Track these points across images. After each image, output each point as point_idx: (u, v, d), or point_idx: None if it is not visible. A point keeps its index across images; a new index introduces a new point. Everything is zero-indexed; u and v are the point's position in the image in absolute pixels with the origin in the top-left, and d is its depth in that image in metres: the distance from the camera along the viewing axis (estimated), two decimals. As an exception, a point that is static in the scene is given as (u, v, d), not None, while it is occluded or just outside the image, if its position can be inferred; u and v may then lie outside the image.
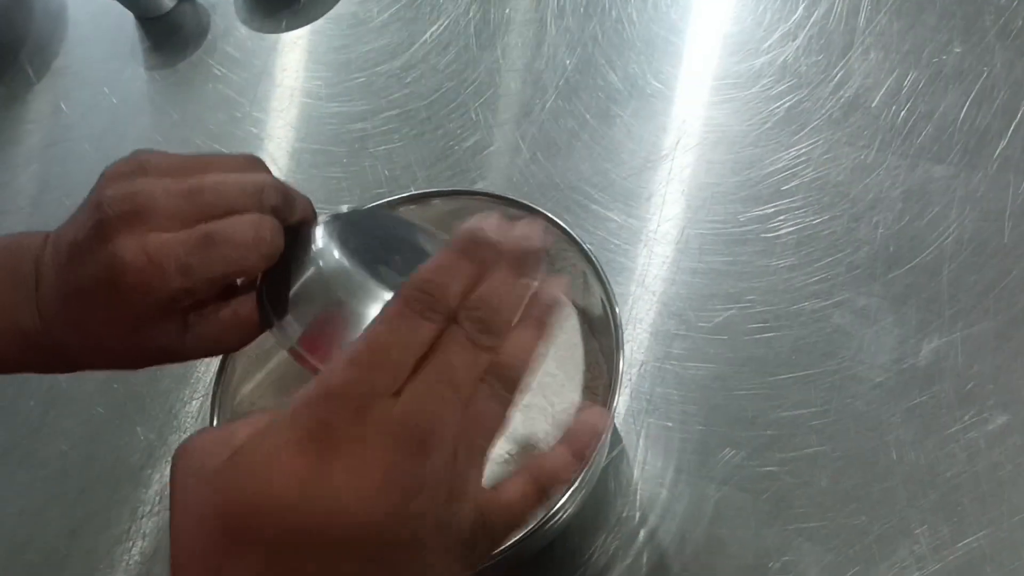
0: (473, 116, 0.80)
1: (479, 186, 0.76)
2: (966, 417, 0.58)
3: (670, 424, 0.62)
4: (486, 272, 0.36)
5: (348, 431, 0.31)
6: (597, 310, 0.60)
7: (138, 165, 0.42)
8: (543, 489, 0.38)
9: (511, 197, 0.60)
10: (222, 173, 0.42)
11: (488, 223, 0.37)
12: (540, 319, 0.37)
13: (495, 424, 0.35)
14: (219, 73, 0.91)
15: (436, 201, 0.63)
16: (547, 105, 0.78)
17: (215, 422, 0.56)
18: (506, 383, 0.35)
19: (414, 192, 0.62)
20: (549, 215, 0.58)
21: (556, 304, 0.38)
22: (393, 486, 0.31)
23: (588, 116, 0.77)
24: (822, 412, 0.60)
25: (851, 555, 0.56)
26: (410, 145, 0.80)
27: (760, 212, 0.68)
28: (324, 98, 0.86)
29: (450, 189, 0.63)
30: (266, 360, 0.63)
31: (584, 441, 0.40)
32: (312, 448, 0.31)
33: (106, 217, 0.40)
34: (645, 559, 0.58)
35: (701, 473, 0.60)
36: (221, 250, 0.40)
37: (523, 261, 0.37)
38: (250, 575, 0.31)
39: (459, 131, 0.80)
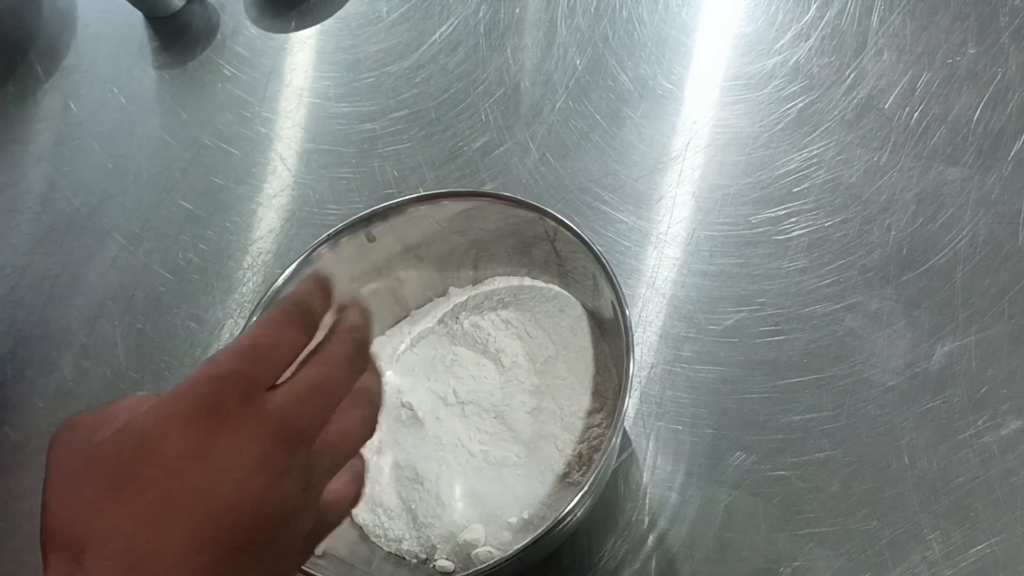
0: (483, 117, 0.80)
1: (489, 187, 0.76)
2: (979, 422, 0.57)
3: (680, 427, 0.62)
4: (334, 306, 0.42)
5: (233, 411, 0.34)
6: (607, 313, 0.60)
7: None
8: (359, 475, 0.43)
9: (520, 198, 0.60)
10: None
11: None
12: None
13: (356, 440, 0.40)
14: (228, 73, 0.91)
15: (446, 202, 0.62)
16: (557, 106, 0.78)
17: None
18: (371, 406, 0.41)
19: (424, 193, 0.62)
20: (560, 216, 0.58)
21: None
22: (268, 467, 0.34)
23: (598, 117, 0.76)
24: (834, 416, 0.59)
25: (863, 560, 0.55)
26: (419, 146, 0.80)
27: (771, 214, 0.68)
28: (333, 98, 0.86)
29: (461, 190, 0.63)
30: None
31: (367, 404, 0.42)
32: (199, 422, 0.34)
33: None
34: (654, 564, 0.58)
35: (711, 477, 0.59)
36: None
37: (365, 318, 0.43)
38: (129, 533, 0.33)
39: (468, 132, 0.79)
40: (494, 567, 0.50)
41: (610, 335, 0.62)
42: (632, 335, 0.54)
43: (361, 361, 0.41)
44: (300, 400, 0.37)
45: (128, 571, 0.32)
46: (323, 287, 0.41)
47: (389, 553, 0.61)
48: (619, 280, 0.55)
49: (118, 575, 0.32)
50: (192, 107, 0.90)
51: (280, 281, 0.61)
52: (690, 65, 0.76)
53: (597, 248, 0.57)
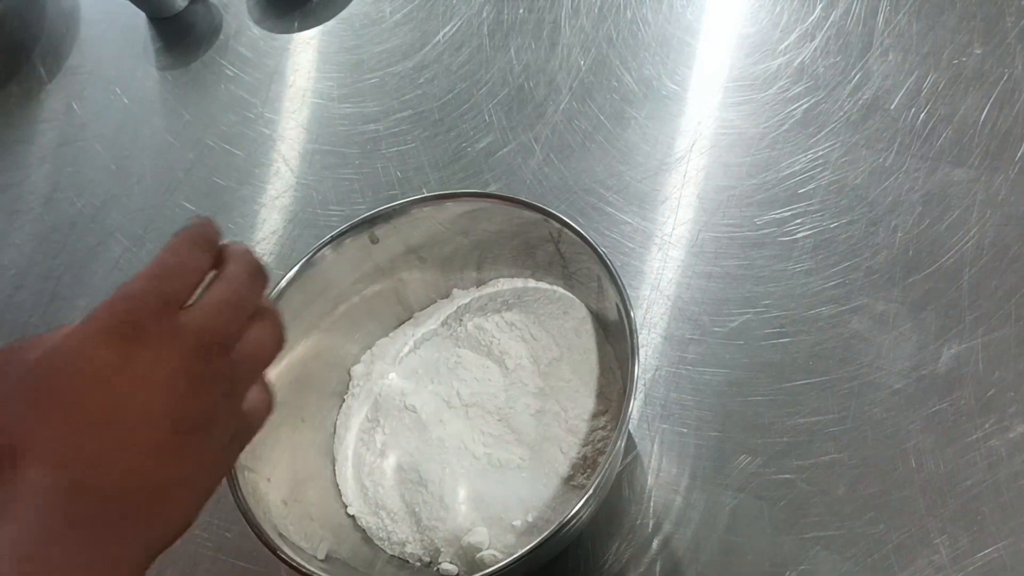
0: (486, 117, 0.79)
1: (492, 188, 0.75)
2: (986, 425, 0.57)
3: (685, 430, 0.61)
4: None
5: (148, 328, 0.37)
6: (612, 315, 0.59)
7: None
8: (269, 386, 0.45)
9: (524, 199, 0.60)
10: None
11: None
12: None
13: (268, 350, 0.42)
14: (231, 73, 0.90)
15: (450, 203, 0.62)
16: (561, 107, 0.78)
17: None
18: (275, 319, 0.43)
19: (427, 194, 0.62)
20: (564, 218, 0.58)
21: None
22: (188, 374, 0.37)
23: (602, 118, 0.76)
24: (839, 419, 0.59)
25: (869, 564, 0.55)
26: (423, 146, 0.80)
27: (776, 215, 0.67)
28: (336, 99, 0.86)
29: (464, 191, 0.62)
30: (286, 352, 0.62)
31: (272, 317, 0.44)
32: (117, 340, 0.36)
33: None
34: (659, 567, 0.58)
35: (716, 480, 0.59)
36: None
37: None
38: (58, 439, 0.35)
39: (472, 132, 0.79)
40: (498, 571, 0.50)
41: (614, 337, 0.62)
42: (637, 338, 0.53)
43: (261, 279, 0.43)
44: (211, 314, 0.39)
45: (60, 472, 0.34)
46: (211, 225, 0.43)
47: (392, 556, 0.61)
48: (623, 282, 0.54)
49: (51, 477, 0.34)
50: (195, 108, 0.89)
51: (284, 283, 0.61)
52: (694, 66, 0.76)
53: (602, 250, 0.56)
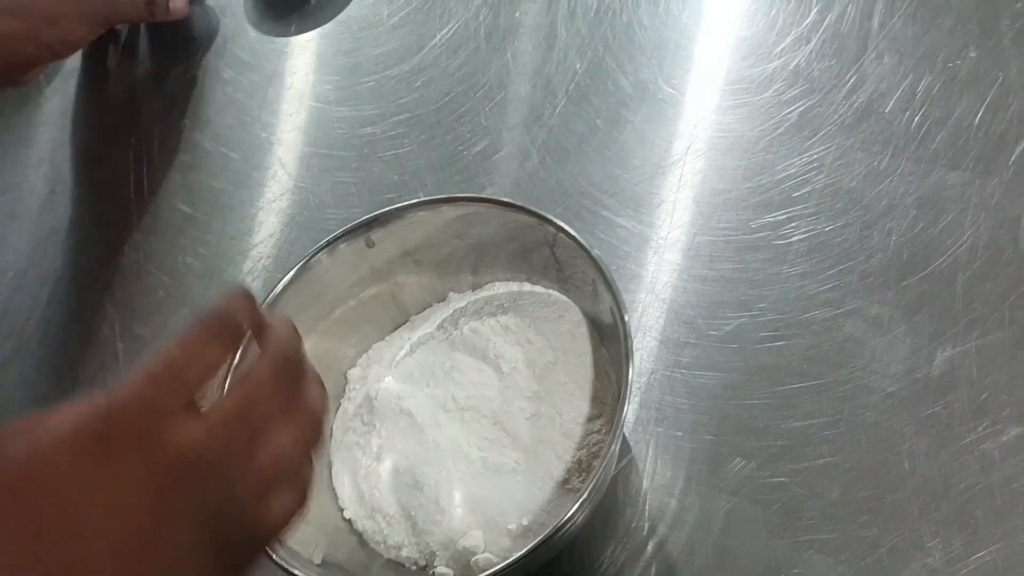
0: (483, 121, 0.79)
1: (488, 191, 0.76)
2: (980, 428, 0.57)
3: (680, 434, 0.62)
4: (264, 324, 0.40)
5: (128, 445, 0.33)
6: (607, 319, 0.60)
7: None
8: (302, 494, 0.40)
9: (519, 203, 0.60)
10: None
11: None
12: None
13: (288, 461, 0.38)
14: (228, 76, 0.90)
15: (445, 207, 0.62)
16: (557, 110, 0.78)
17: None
18: (309, 422, 0.40)
19: (423, 198, 0.62)
20: (559, 222, 0.58)
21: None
22: (158, 511, 0.33)
23: (598, 121, 0.76)
24: (833, 422, 0.59)
25: (863, 567, 0.55)
26: (419, 150, 0.80)
27: (772, 219, 0.67)
28: (334, 102, 0.86)
29: (460, 195, 0.62)
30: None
31: (303, 423, 0.40)
32: (88, 453, 0.32)
33: None
34: (654, 570, 0.58)
35: (711, 484, 0.59)
36: None
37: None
38: (8, 564, 0.31)
39: (469, 135, 0.79)
40: (493, 574, 0.50)
41: (609, 341, 0.62)
42: (631, 341, 0.54)
43: (294, 377, 0.39)
44: (216, 432, 0.35)
45: None
46: (247, 301, 0.39)
47: (388, 560, 0.61)
48: (618, 286, 0.55)
49: None
50: (192, 111, 0.90)
51: (279, 287, 0.61)
52: (691, 69, 0.76)
53: (596, 254, 0.56)
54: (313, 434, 0.40)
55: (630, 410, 0.62)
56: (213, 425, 0.35)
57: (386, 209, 0.62)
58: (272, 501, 0.38)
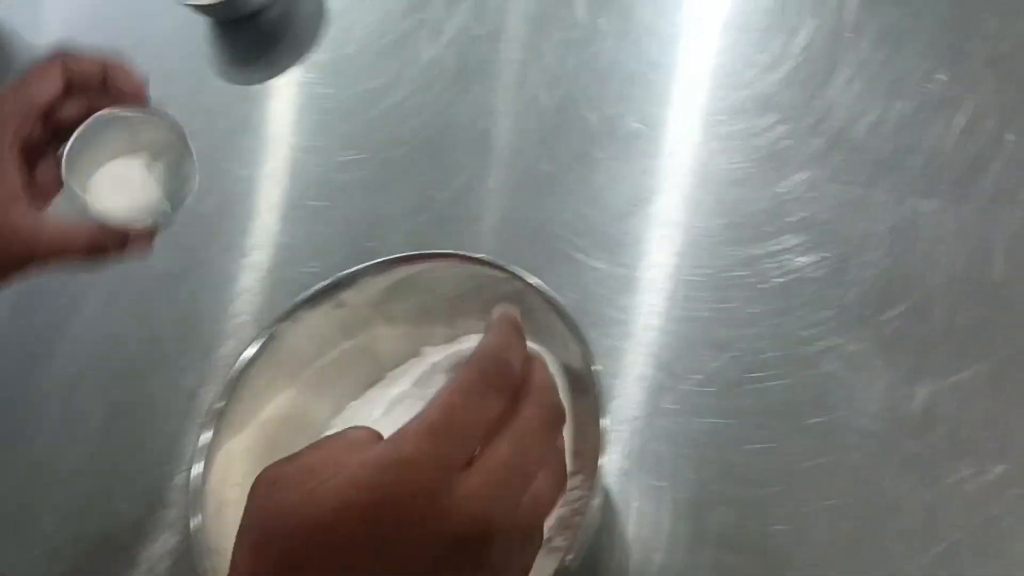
0: (455, 161, 0.79)
1: (463, 235, 0.75)
2: (962, 468, 0.56)
3: (663, 483, 0.61)
4: (528, 357, 0.39)
5: (416, 503, 0.32)
6: (581, 370, 0.59)
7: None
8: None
9: (486, 258, 0.59)
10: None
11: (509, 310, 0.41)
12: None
13: (550, 508, 0.37)
14: (196, 127, 0.89)
15: (411, 265, 0.62)
16: (528, 149, 0.77)
17: (204, 483, 0.56)
18: (560, 470, 0.38)
19: (387, 258, 0.61)
20: (525, 276, 0.57)
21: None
22: (447, 568, 0.33)
23: (569, 159, 0.75)
24: (816, 466, 0.59)
25: (851, 615, 0.54)
26: (393, 194, 0.79)
27: (747, 254, 0.67)
28: (305, 149, 0.85)
29: (426, 252, 0.62)
30: (252, 418, 0.62)
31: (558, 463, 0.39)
32: (378, 514, 0.32)
33: None
34: (641, 627, 0.57)
35: (696, 535, 0.59)
36: None
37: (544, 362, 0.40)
38: None
39: (442, 178, 0.78)
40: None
41: (585, 392, 0.61)
42: (604, 399, 0.53)
43: (557, 425, 0.38)
44: (495, 488, 0.34)
45: None
46: (518, 334, 0.38)
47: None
48: (591, 335, 0.54)
49: None
50: (164, 164, 0.89)
51: (249, 352, 0.61)
52: (660, 102, 0.75)
53: (564, 307, 0.56)
54: (563, 480, 0.39)
55: (611, 460, 0.61)
56: (491, 479, 0.34)
57: (353, 270, 0.62)
58: (528, 550, 0.37)
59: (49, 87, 0.57)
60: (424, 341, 0.67)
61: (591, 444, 0.60)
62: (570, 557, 0.50)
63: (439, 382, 0.64)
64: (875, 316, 0.62)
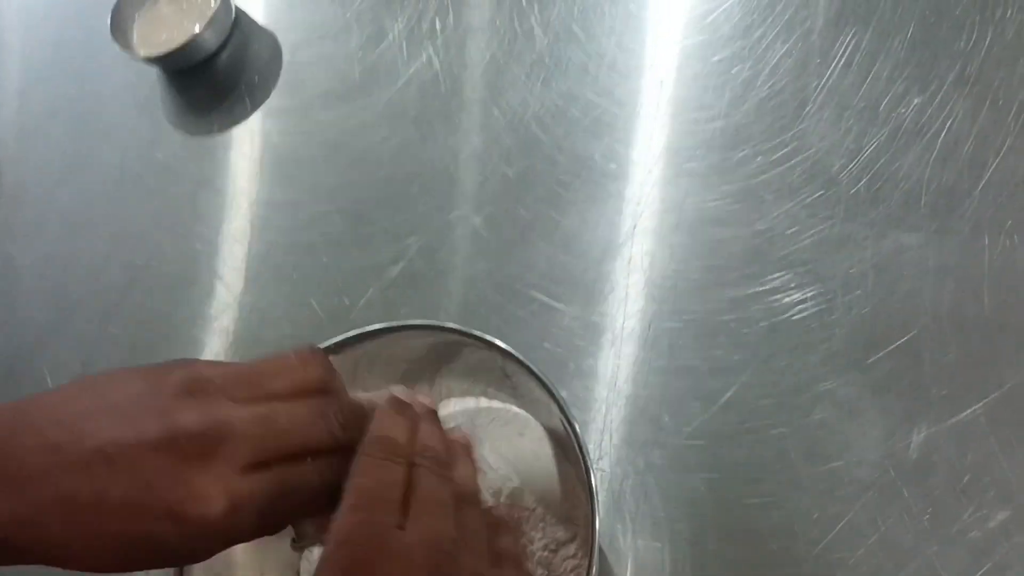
0: (423, 213, 0.76)
1: (436, 288, 0.73)
2: (965, 516, 0.55)
3: (659, 544, 0.59)
4: (416, 424, 0.45)
5: (376, 563, 0.36)
6: (564, 436, 0.57)
7: (199, 383, 0.40)
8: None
9: (459, 328, 0.57)
10: (289, 385, 0.42)
11: (398, 392, 0.48)
12: (466, 450, 0.49)
13: (483, 529, 0.44)
14: (155, 186, 0.87)
15: (380, 339, 0.59)
16: (495, 195, 0.75)
17: None
18: (472, 500, 0.45)
19: (363, 329, 0.59)
20: (502, 345, 0.55)
21: (466, 439, 0.50)
22: None
23: (539, 203, 0.73)
24: (815, 521, 0.57)
25: (861, 677, 0.53)
26: (360, 249, 0.77)
27: (728, 298, 0.65)
28: (267, 204, 0.82)
29: (401, 324, 0.59)
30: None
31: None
32: None
33: (183, 448, 0.38)
34: None
35: (694, 602, 0.57)
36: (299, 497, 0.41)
37: (433, 416, 0.48)
38: None
39: (409, 229, 0.76)
40: None
41: (572, 457, 0.59)
42: (589, 460, 0.51)
43: (447, 463, 0.45)
44: (428, 521, 0.40)
45: None
46: (400, 411, 0.45)
47: None
48: (575, 386, 0.53)
49: None
50: (120, 226, 0.86)
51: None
52: (627, 141, 0.73)
53: (543, 375, 0.53)
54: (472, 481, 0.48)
55: (605, 522, 0.60)
56: (424, 518, 0.39)
57: (328, 343, 0.59)
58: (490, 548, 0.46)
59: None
60: (404, 407, 0.65)
61: (582, 509, 0.58)
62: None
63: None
64: (864, 359, 0.60)
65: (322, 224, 0.79)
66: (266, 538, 0.59)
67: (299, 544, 0.48)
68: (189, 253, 0.82)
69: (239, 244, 0.81)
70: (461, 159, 0.78)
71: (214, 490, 0.38)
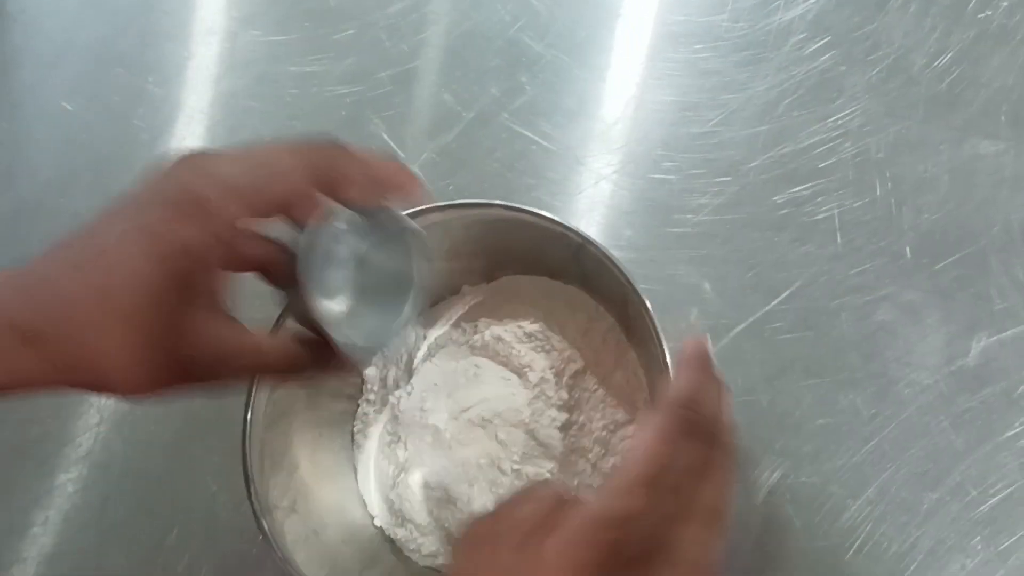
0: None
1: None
2: (1016, 424, 0.57)
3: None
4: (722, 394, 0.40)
5: (647, 558, 0.33)
6: (636, 321, 0.57)
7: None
8: None
9: (540, 212, 0.56)
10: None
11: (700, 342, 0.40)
12: None
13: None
14: None
15: (459, 211, 0.59)
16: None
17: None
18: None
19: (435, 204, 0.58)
20: (584, 233, 0.55)
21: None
22: None
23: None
24: (868, 419, 0.59)
25: (900, 570, 0.55)
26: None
27: (796, 193, 0.64)
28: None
29: (475, 201, 0.59)
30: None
31: None
32: (610, 572, 0.33)
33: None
34: None
35: (745, 485, 0.59)
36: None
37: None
38: None
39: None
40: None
41: (638, 342, 0.60)
42: (667, 353, 0.52)
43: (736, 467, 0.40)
44: (711, 532, 0.36)
45: None
46: (709, 373, 0.39)
47: (424, 568, 0.61)
48: (644, 289, 0.52)
49: None
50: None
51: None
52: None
53: (622, 264, 0.53)
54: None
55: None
56: (707, 525, 0.36)
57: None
58: None
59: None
60: (463, 280, 0.66)
61: (643, 394, 0.60)
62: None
63: (483, 330, 0.62)
64: (931, 264, 0.61)
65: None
66: (318, 437, 0.61)
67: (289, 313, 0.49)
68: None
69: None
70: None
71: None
